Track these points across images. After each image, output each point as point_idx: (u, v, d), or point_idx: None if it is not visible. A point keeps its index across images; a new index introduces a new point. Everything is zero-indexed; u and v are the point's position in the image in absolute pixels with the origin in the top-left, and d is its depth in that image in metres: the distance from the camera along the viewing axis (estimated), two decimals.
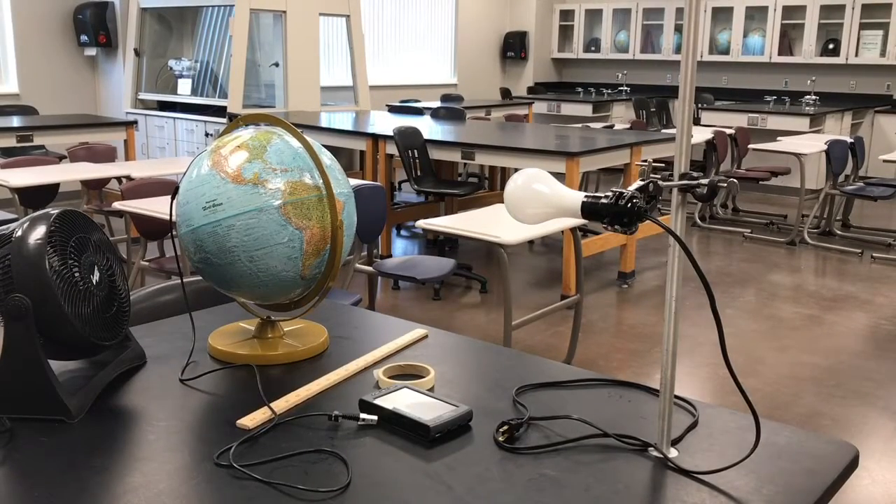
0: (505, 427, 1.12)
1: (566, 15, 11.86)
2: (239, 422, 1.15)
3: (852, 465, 1.10)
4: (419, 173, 5.88)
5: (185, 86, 7.92)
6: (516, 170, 1.24)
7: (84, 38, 7.85)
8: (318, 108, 7.70)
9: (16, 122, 6.58)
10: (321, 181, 1.33)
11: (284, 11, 7.31)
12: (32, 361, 1.15)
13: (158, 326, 1.58)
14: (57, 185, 5.21)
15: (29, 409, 1.15)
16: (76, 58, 8.01)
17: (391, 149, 5.94)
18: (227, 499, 0.97)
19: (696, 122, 9.07)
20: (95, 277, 1.24)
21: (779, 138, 7.59)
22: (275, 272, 1.31)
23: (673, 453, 1.07)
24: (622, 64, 11.60)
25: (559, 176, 4.29)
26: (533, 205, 1.06)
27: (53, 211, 1.22)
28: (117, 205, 4.08)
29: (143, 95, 8.08)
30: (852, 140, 7.01)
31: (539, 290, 5.27)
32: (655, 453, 1.08)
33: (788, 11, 9.95)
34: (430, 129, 6.33)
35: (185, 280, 1.52)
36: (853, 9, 9.54)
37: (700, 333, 4.51)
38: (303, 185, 1.31)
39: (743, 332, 4.56)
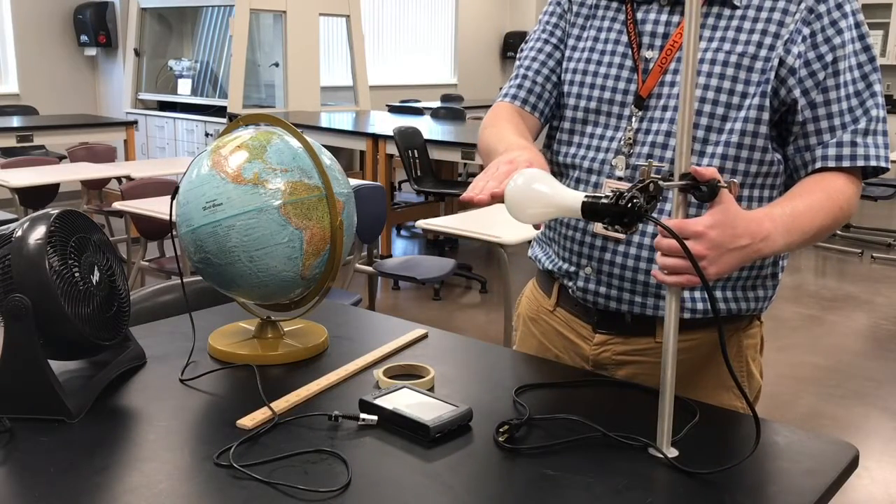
0: (505, 427, 1.12)
1: None
2: (239, 422, 1.15)
3: (852, 465, 1.10)
4: (419, 173, 5.88)
5: (185, 86, 7.92)
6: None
7: (84, 38, 7.85)
8: (318, 108, 7.70)
9: (16, 122, 6.57)
10: (321, 181, 1.33)
11: (284, 11, 7.31)
12: (32, 361, 1.15)
13: (158, 326, 1.57)
14: (57, 185, 5.20)
15: (29, 409, 1.15)
16: (76, 58, 8.01)
17: (391, 149, 5.94)
18: (227, 499, 0.96)
19: None
20: (95, 277, 1.24)
21: None
22: (275, 272, 1.31)
23: (673, 453, 1.07)
24: None
25: None
26: (533, 205, 1.06)
27: (53, 211, 1.22)
28: (117, 205, 4.08)
29: (143, 95, 8.08)
30: None
31: None
32: (655, 453, 1.08)
33: None
34: (430, 129, 6.32)
35: (185, 280, 1.51)
36: None
37: None
38: (303, 185, 1.31)
39: None
